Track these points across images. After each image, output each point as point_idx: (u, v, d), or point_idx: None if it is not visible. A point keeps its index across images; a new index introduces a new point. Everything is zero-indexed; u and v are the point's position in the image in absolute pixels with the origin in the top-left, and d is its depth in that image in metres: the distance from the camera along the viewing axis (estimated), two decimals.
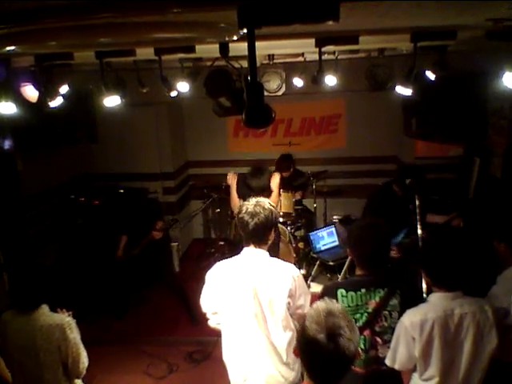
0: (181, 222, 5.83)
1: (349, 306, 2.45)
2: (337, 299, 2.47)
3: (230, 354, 2.59)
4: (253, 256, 2.54)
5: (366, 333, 2.46)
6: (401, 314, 2.41)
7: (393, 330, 2.43)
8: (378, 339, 2.46)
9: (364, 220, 2.70)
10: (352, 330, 1.63)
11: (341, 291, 2.48)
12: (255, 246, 2.55)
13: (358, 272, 2.60)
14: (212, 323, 2.68)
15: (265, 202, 2.59)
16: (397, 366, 2.35)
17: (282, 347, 2.49)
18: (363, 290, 2.47)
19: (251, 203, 2.56)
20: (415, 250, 3.98)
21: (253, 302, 2.46)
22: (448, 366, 2.28)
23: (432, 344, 2.26)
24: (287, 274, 2.48)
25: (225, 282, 2.54)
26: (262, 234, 2.54)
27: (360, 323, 2.45)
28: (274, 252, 2.69)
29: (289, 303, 2.47)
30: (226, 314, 2.56)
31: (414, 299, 2.50)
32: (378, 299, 2.46)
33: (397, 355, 2.33)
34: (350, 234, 2.65)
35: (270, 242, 2.61)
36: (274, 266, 2.53)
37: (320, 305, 1.71)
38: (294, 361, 2.54)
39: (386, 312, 2.46)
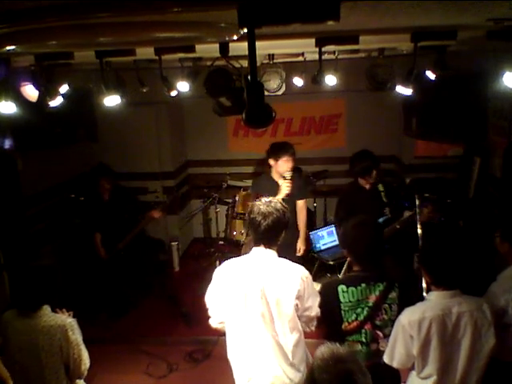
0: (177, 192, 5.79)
1: (350, 301, 2.48)
2: (337, 295, 2.50)
3: (235, 352, 2.57)
4: (262, 256, 2.53)
5: (367, 326, 2.49)
6: (399, 307, 2.44)
7: (393, 322, 2.46)
8: (379, 333, 2.50)
9: (355, 219, 2.73)
10: (364, 375, 1.51)
11: (341, 287, 2.52)
12: (265, 247, 2.53)
13: (356, 268, 2.61)
14: (214, 323, 2.66)
15: (277, 202, 2.56)
16: (395, 364, 2.37)
17: (288, 348, 2.48)
18: (363, 285, 2.50)
19: (263, 203, 2.53)
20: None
21: (260, 301, 2.45)
22: (446, 364, 2.29)
23: (430, 343, 2.27)
24: (296, 275, 2.46)
25: (233, 280, 2.53)
26: (274, 235, 2.52)
27: (361, 317, 2.49)
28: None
29: (297, 305, 2.45)
30: (232, 313, 2.55)
31: (410, 292, 2.53)
32: (377, 293, 2.49)
33: (395, 353, 2.35)
34: (343, 234, 2.68)
35: (279, 243, 2.60)
36: (283, 267, 2.51)
37: (325, 351, 1.58)
38: (300, 362, 2.53)
39: (386, 305, 2.49)
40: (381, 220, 4.39)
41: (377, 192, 4.51)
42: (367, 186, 4.49)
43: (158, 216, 4.99)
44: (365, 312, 2.48)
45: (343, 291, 2.50)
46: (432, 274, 2.37)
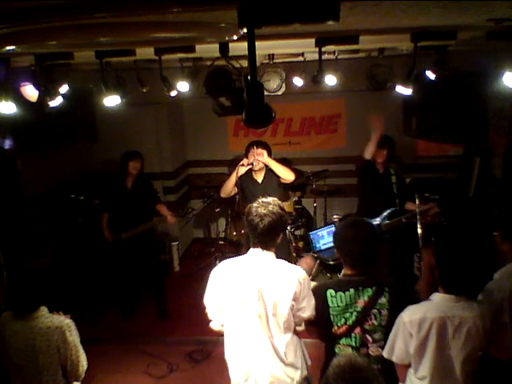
0: (194, 211, 5.80)
1: (338, 306, 2.48)
2: (326, 299, 2.50)
3: (232, 353, 2.57)
4: (259, 257, 2.52)
5: (357, 331, 2.49)
6: (391, 312, 2.43)
7: (383, 328, 2.46)
8: (369, 337, 2.48)
9: (348, 219, 2.71)
10: None
11: (330, 292, 2.50)
12: (262, 249, 2.51)
13: (347, 272, 2.59)
14: (215, 326, 2.65)
15: (275, 203, 2.54)
16: (394, 359, 2.39)
17: (282, 349, 2.47)
18: (352, 290, 2.48)
19: (261, 204, 2.51)
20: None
21: (257, 303, 2.44)
22: (441, 367, 2.28)
23: (427, 343, 2.27)
24: (293, 276, 2.45)
25: (230, 281, 2.52)
26: (272, 236, 2.51)
27: (350, 322, 2.48)
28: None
29: (292, 305, 2.44)
30: (229, 313, 2.54)
31: (403, 297, 2.51)
32: (366, 298, 2.47)
33: (395, 348, 2.36)
34: (335, 234, 2.65)
35: (277, 244, 2.59)
36: (281, 268, 2.50)
37: (342, 360, 1.58)
38: (296, 360, 2.53)
39: (375, 310, 2.47)
40: (389, 211, 4.51)
41: (389, 179, 4.71)
42: (380, 168, 4.70)
43: (172, 221, 4.97)
44: (353, 317, 2.47)
45: (331, 296, 2.49)
46: (445, 279, 2.34)
